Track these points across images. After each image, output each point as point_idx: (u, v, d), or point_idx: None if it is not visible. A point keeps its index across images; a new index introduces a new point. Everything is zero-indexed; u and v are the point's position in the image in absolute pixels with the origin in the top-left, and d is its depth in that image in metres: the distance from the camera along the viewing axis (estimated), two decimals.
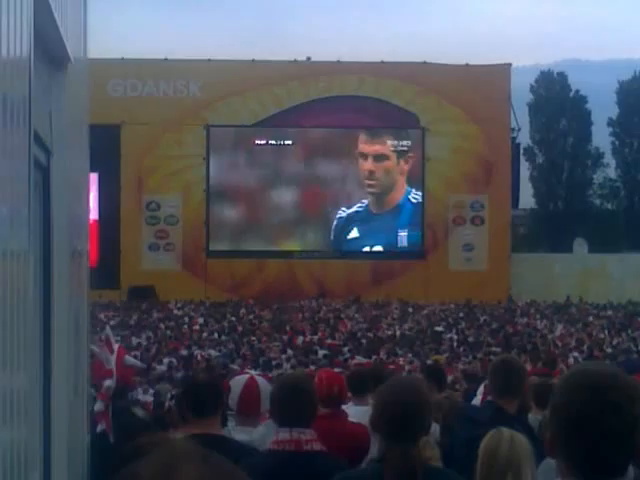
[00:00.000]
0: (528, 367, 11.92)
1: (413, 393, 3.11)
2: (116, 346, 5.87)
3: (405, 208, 36.70)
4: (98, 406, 5.54)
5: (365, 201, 36.64)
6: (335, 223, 36.70)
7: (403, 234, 36.78)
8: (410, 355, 20.23)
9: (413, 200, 36.63)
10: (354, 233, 36.71)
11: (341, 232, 36.66)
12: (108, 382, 5.56)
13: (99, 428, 5.47)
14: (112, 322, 26.56)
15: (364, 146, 36.24)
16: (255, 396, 4.56)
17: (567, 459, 1.82)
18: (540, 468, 3.60)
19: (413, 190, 36.59)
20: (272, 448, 3.59)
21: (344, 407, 5.33)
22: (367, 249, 36.70)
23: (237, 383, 4.65)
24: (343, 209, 36.63)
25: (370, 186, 36.31)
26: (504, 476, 3.31)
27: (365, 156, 36.25)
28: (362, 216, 36.62)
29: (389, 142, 36.43)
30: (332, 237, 36.70)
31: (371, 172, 36.24)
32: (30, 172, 2.87)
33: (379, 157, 36.26)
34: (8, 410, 2.49)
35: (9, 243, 2.52)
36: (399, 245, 36.79)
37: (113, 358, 5.65)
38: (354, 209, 36.65)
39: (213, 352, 20.64)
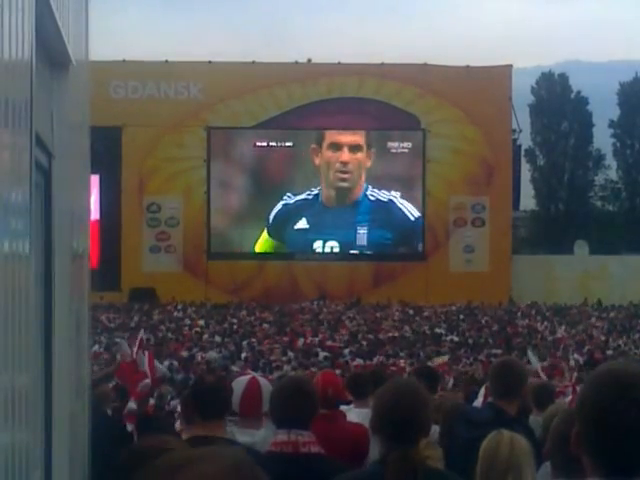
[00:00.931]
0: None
1: (412, 395, 3.11)
2: (146, 351, 5.95)
3: (363, 205, 35.87)
4: (131, 406, 5.55)
5: (315, 190, 35.84)
6: (279, 208, 35.80)
7: (362, 231, 36.08)
8: (410, 357, 20.23)
9: (371, 197, 35.85)
10: (302, 224, 35.78)
11: (286, 219, 35.70)
12: (146, 381, 5.60)
13: (130, 427, 5.47)
14: (112, 324, 26.61)
15: (339, 137, 35.47)
16: (257, 397, 4.54)
17: (592, 456, 1.82)
18: (540, 471, 3.59)
19: (370, 187, 35.88)
20: (270, 450, 3.59)
21: (344, 408, 5.33)
22: (319, 244, 35.94)
23: (239, 384, 4.65)
24: (289, 194, 35.87)
25: (343, 179, 35.57)
26: (504, 478, 3.31)
27: (339, 147, 35.44)
28: (313, 207, 35.60)
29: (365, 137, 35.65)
30: (270, 220, 35.72)
31: (345, 163, 35.41)
32: (31, 174, 2.87)
33: (354, 147, 35.55)
34: (10, 411, 2.50)
35: (10, 245, 2.53)
36: (358, 244, 36.10)
37: (146, 360, 5.71)
38: (302, 196, 35.75)
39: (214, 354, 20.63)
